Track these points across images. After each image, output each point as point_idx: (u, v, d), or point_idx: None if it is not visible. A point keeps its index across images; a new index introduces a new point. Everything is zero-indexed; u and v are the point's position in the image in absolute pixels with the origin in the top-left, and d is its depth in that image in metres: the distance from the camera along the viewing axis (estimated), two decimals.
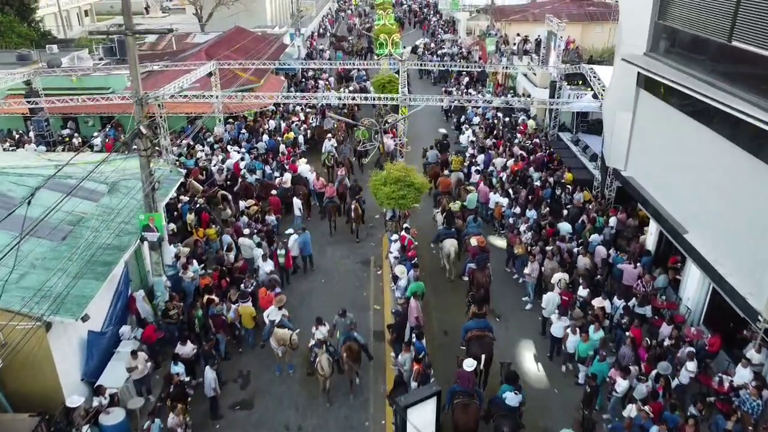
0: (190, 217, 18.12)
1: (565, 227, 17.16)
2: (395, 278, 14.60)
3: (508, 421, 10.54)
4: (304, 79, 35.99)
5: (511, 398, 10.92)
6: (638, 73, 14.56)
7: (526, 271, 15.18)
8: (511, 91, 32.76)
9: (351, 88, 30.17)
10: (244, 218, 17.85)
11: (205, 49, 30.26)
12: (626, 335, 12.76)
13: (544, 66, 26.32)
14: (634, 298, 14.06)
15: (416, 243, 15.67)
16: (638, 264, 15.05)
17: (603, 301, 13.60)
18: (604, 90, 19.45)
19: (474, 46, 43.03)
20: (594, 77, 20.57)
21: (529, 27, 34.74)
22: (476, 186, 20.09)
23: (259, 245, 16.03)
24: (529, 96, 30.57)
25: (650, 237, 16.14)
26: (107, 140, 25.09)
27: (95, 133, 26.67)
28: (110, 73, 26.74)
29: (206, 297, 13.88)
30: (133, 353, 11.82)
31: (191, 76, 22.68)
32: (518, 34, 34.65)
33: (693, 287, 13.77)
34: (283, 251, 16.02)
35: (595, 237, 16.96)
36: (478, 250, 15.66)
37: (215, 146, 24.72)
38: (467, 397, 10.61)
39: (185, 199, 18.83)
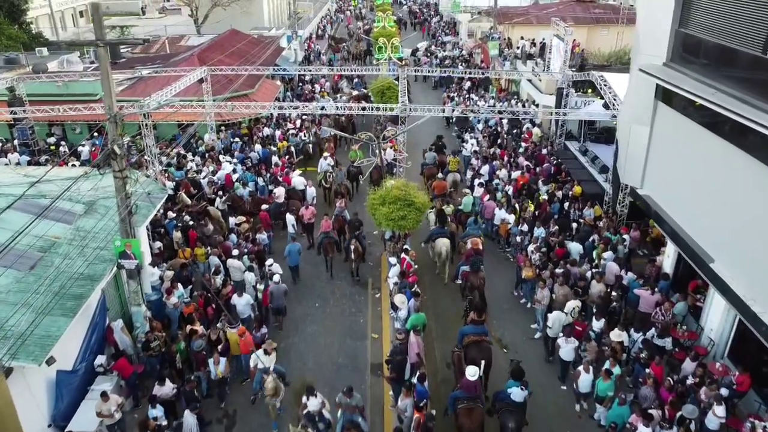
0: (176, 235, 17.02)
1: (575, 248, 16.09)
2: (394, 307, 13.52)
3: (514, 416, 10.54)
4: (300, 84, 34.92)
5: (517, 394, 10.89)
6: (657, 84, 13.47)
7: (537, 297, 14.10)
8: (515, 97, 31.68)
9: (344, 99, 28.88)
10: (233, 237, 16.79)
11: (197, 53, 29.20)
12: (646, 372, 11.70)
13: (551, 72, 25.22)
14: (653, 329, 12.99)
15: (416, 266, 14.57)
16: (656, 290, 14.05)
17: (622, 334, 12.51)
18: (615, 99, 18.37)
19: (476, 49, 41.95)
20: (605, 85, 19.46)
21: (533, 30, 33.68)
22: (481, 201, 19.00)
23: (250, 269, 14.91)
24: (533, 102, 29.55)
25: (668, 259, 15.05)
26: (93, 149, 24.01)
27: (83, 141, 25.62)
28: (98, 79, 25.54)
29: (189, 328, 12.79)
30: (104, 395, 10.71)
31: (181, 82, 21.58)
32: (522, 38, 33.54)
33: (717, 317, 12.70)
34: (261, 285, 14.46)
35: (607, 254, 15.90)
36: (472, 252, 15.44)
37: (207, 155, 23.65)
38: (471, 402, 10.49)
39: (172, 215, 17.74)
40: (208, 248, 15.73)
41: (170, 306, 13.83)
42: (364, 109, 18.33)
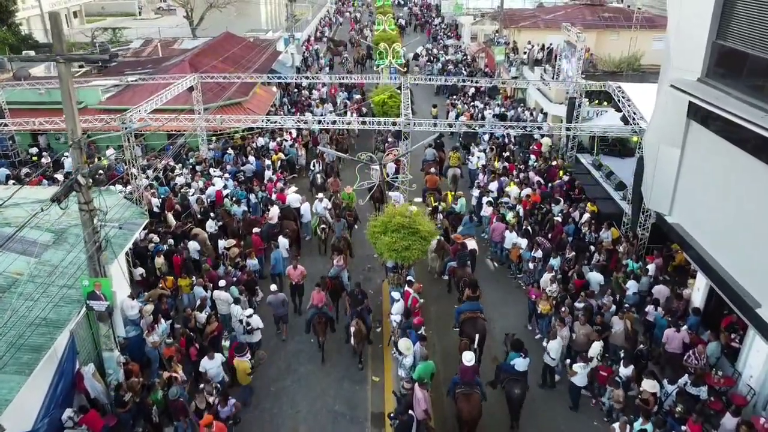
0: (159, 261, 15.66)
1: (595, 278, 14.75)
2: (396, 346, 12.16)
3: (518, 383, 11.31)
4: (297, 89, 33.53)
5: (520, 363, 11.48)
6: (689, 102, 12.09)
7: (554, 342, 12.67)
8: (521, 104, 30.30)
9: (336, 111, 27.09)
10: (221, 264, 15.40)
11: (189, 58, 27.80)
12: (683, 430, 10.36)
13: (562, 80, 23.88)
14: (686, 376, 11.64)
15: (422, 301, 13.16)
16: (684, 327, 12.73)
17: (655, 385, 11.14)
18: (636, 114, 17.00)
19: (479, 53, 40.60)
20: (623, 97, 18.08)
21: (541, 35, 32.32)
22: (489, 222, 17.66)
23: (237, 301, 13.54)
24: (541, 110, 28.20)
25: (698, 293, 13.71)
26: None
27: (66, 153, 24.19)
28: (83, 86, 24.17)
29: (167, 375, 11.41)
30: None
31: (169, 90, 20.18)
32: (529, 42, 32.19)
33: (759, 363, 11.35)
34: (227, 342, 12.38)
35: (631, 284, 14.56)
36: (459, 247, 15.59)
37: (197, 168, 22.26)
38: (469, 387, 10.84)
39: (156, 239, 16.35)
40: (193, 278, 14.32)
41: (149, 345, 12.48)
42: (364, 123, 16.84)
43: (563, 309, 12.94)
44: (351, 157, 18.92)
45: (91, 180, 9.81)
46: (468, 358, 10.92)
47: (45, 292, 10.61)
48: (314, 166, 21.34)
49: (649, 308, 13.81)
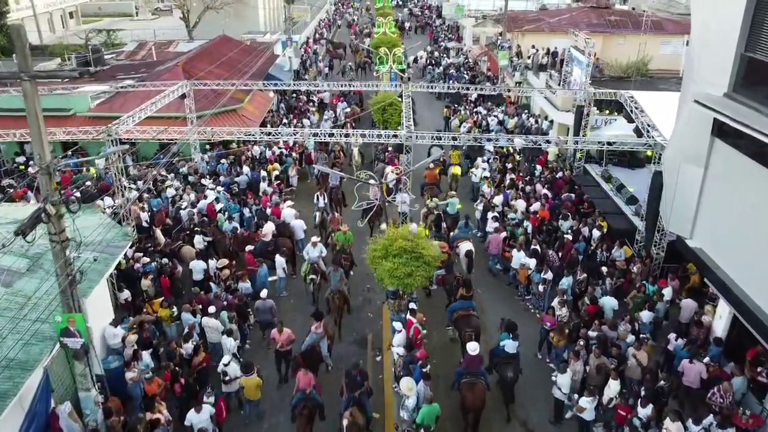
0: (145, 283, 14.74)
1: (609, 303, 13.82)
2: (398, 382, 11.27)
3: (510, 366, 11.79)
4: (295, 94, 32.59)
5: (510, 345, 11.95)
6: (714, 119, 11.19)
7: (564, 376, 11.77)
8: (526, 111, 29.40)
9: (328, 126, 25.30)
10: (213, 286, 14.48)
11: (182, 63, 26.85)
12: None
13: (570, 88, 22.99)
14: (711, 416, 10.74)
15: (425, 331, 12.23)
16: (706, 360, 11.87)
17: (680, 428, 10.24)
18: (650, 126, 16.09)
19: (481, 57, 39.72)
20: (636, 108, 17.16)
21: (545, 38, 31.38)
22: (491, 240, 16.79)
23: (229, 333, 12.57)
24: (546, 118, 27.31)
25: (720, 321, 12.82)
26: (65, 172, 21.70)
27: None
28: (70, 93, 23.23)
29: (150, 417, 10.51)
30: None
31: (159, 98, 19.27)
32: (533, 46, 31.27)
33: None
34: (212, 398, 10.84)
35: (645, 315, 13.66)
36: (447, 256, 15.23)
37: (190, 178, 21.36)
38: (473, 377, 11.05)
39: (146, 260, 15.43)
40: (174, 309, 13.36)
41: (129, 381, 11.58)
42: (363, 136, 15.85)
43: (579, 342, 12.00)
44: (349, 176, 17.22)
45: (65, 207, 8.92)
46: (473, 347, 11.15)
47: (15, 328, 9.72)
48: (317, 199, 18.54)
49: (671, 336, 12.93)
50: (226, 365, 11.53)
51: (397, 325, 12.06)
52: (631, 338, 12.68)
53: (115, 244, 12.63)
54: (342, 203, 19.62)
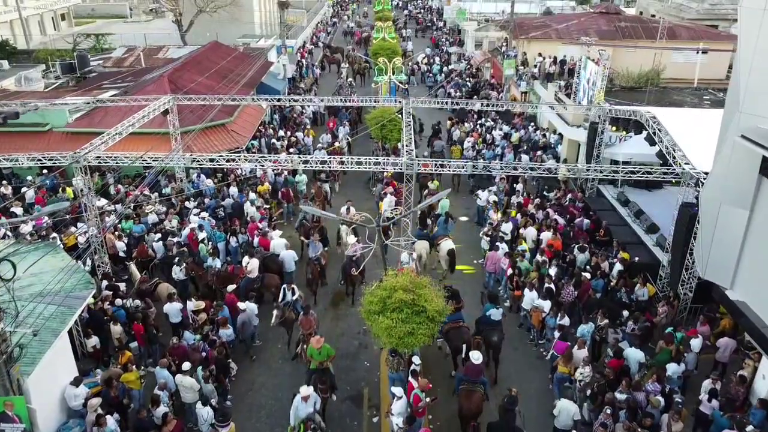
0: (116, 330, 13.19)
1: (635, 356, 12.26)
2: None
3: (495, 332, 12.87)
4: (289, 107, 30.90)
5: (495, 313, 13.11)
6: (763, 156, 9.69)
7: None
8: (532, 123, 27.84)
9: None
10: (188, 335, 12.90)
11: (169, 73, 25.25)
12: None
13: (583, 103, 21.43)
14: None
15: (428, 400, 10.60)
16: (750, 429, 10.31)
17: None
18: (675, 150, 14.54)
19: (484, 63, 38.17)
20: (659, 130, 15.60)
21: (552, 46, 29.78)
22: (504, 274, 15.26)
23: (204, 402, 10.99)
24: (554, 131, 25.78)
25: (763, 381, 11.30)
26: (38, 192, 20.15)
27: (29, 177, 21.73)
28: (47, 107, 21.54)
29: None
30: None
31: (139, 118, 17.67)
32: (540, 54, 29.70)
33: None
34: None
35: (672, 368, 12.11)
36: None
37: (174, 201, 19.74)
38: (472, 385, 11.14)
39: (118, 301, 13.89)
40: (142, 372, 11.81)
41: None
42: (360, 163, 14.17)
43: (605, 411, 10.43)
44: (342, 218, 14.85)
45: None
46: (476, 356, 11.32)
47: None
48: (284, 293, 14.12)
49: (703, 397, 11.39)
50: None
51: (397, 390, 10.47)
52: (661, 401, 11.13)
53: (75, 294, 11.07)
54: (320, 280, 15.90)
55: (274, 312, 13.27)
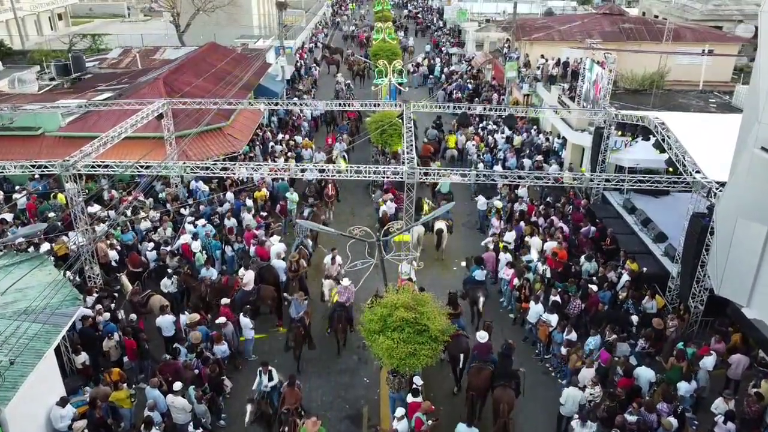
0: (108, 344, 12.71)
1: (645, 375, 11.79)
2: None
3: (480, 289, 14.19)
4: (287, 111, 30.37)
5: (479, 274, 14.47)
6: None
7: None
8: (534, 127, 27.36)
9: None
10: (183, 350, 12.42)
11: (164, 76, 24.75)
12: None
13: (584, 104, 20.94)
14: None
15: (430, 423, 10.13)
16: None
17: None
18: (685, 156, 14.07)
19: (485, 64, 37.68)
20: (668, 136, 15.12)
21: (555, 48, 29.31)
22: (509, 284, 14.81)
23: (197, 425, 10.52)
24: (558, 136, 25.29)
25: None
26: (29, 199, 19.62)
27: (23, 183, 21.19)
28: (39, 110, 21.03)
29: None
30: None
31: (132, 123, 17.18)
32: (542, 56, 29.22)
33: None
34: None
35: (683, 387, 11.65)
36: None
37: (168, 207, 19.22)
38: (482, 363, 11.43)
39: (107, 315, 13.39)
40: (133, 389, 11.34)
41: None
42: (359, 172, 13.66)
43: None
44: (340, 233, 13.37)
45: None
46: (482, 335, 11.68)
47: None
48: (260, 378, 11.42)
49: (719, 419, 10.91)
50: None
51: (399, 411, 10.00)
52: (673, 422, 10.66)
53: (61, 311, 10.59)
54: (307, 343, 13.43)
55: (248, 407, 10.58)
